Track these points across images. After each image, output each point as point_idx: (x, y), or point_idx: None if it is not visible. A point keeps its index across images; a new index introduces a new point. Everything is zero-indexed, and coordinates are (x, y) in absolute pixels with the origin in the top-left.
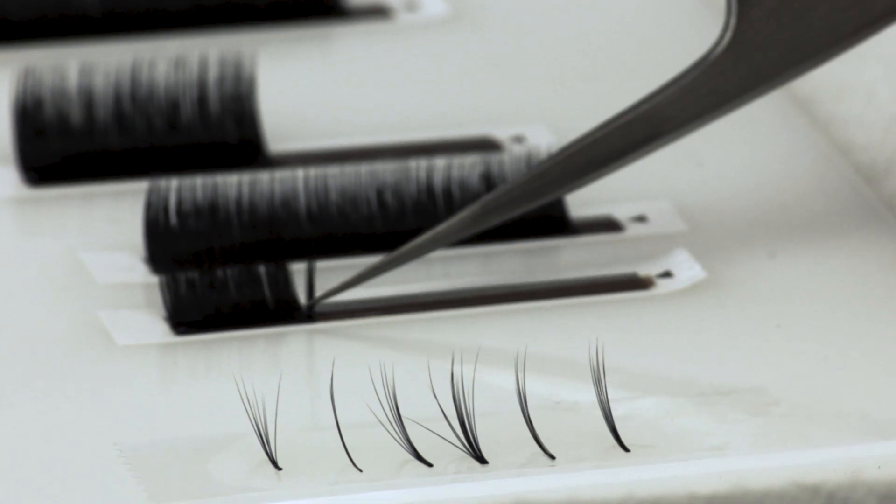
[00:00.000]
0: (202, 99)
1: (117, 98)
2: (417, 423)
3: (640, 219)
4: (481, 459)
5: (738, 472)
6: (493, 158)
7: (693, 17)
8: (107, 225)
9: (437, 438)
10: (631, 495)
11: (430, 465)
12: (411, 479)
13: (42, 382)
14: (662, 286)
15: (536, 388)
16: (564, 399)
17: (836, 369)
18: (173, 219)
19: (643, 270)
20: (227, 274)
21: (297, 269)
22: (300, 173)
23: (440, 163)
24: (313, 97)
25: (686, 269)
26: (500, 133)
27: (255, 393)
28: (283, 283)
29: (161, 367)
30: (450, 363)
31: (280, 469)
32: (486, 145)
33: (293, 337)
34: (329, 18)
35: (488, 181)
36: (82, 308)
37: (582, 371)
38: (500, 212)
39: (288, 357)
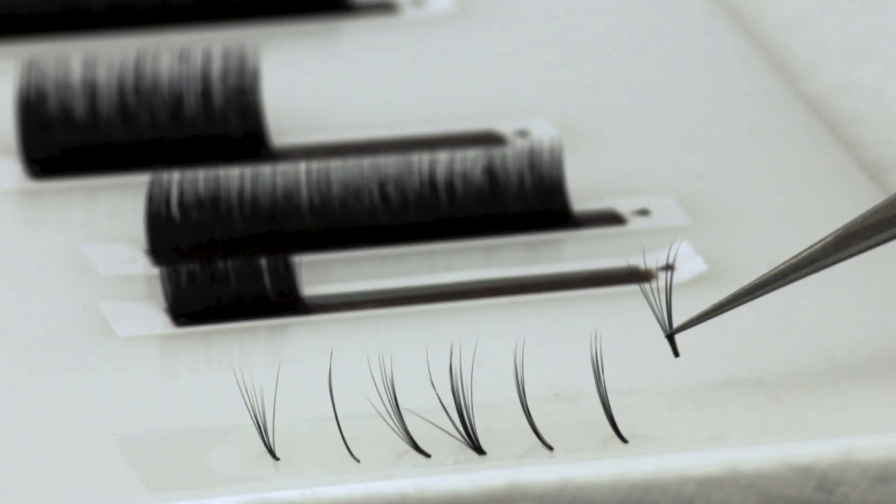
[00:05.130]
0: (206, 92)
1: (121, 91)
2: (416, 414)
3: (643, 212)
4: (479, 450)
5: (730, 453)
6: (496, 152)
7: (699, 11)
8: (109, 217)
9: (436, 429)
10: (623, 479)
11: (428, 455)
12: (409, 470)
13: (43, 373)
14: (664, 279)
15: (536, 380)
16: (563, 390)
17: (836, 363)
18: (175, 211)
19: (645, 263)
20: (228, 266)
21: (299, 261)
22: (302, 166)
23: (443, 156)
24: (317, 91)
25: (687, 262)
26: (504, 127)
27: (254, 384)
28: (284, 275)
29: (161, 358)
30: (448, 354)
31: (278, 459)
32: (489, 139)
33: (293, 328)
34: (335, 13)
35: (491, 174)
36: (84, 299)
37: (582, 363)
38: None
39: (287, 348)
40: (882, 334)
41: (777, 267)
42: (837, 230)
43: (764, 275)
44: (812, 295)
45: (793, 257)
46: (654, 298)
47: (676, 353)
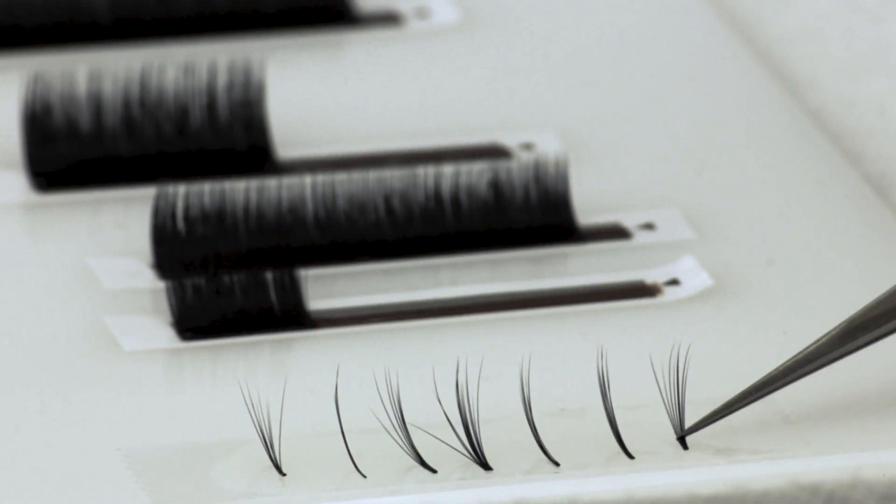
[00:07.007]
0: (211, 105)
1: (126, 104)
2: (422, 430)
3: (648, 226)
4: (486, 466)
5: (737, 472)
6: (501, 165)
7: (702, 22)
8: (114, 231)
9: (442, 445)
10: (631, 497)
11: (434, 471)
12: (415, 486)
13: (48, 387)
14: (669, 293)
15: (542, 395)
16: (569, 405)
17: (844, 381)
18: (181, 225)
19: (650, 278)
20: (233, 280)
21: (304, 275)
22: (307, 180)
23: (448, 169)
24: (323, 104)
25: (693, 276)
26: (510, 140)
27: (259, 399)
28: (289, 289)
29: (167, 372)
30: (455, 369)
31: (284, 475)
32: (495, 152)
33: (299, 343)
34: (339, 25)
35: (496, 188)
36: (89, 313)
37: (588, 378)
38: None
39: (293, 363)
40: (890, 352)
41: (784, 363)
42: (842, 323)
43: (770, 372)
44: (819, 307)
45: (799, 352)
46: (669, 399)
47: (686, 448)
